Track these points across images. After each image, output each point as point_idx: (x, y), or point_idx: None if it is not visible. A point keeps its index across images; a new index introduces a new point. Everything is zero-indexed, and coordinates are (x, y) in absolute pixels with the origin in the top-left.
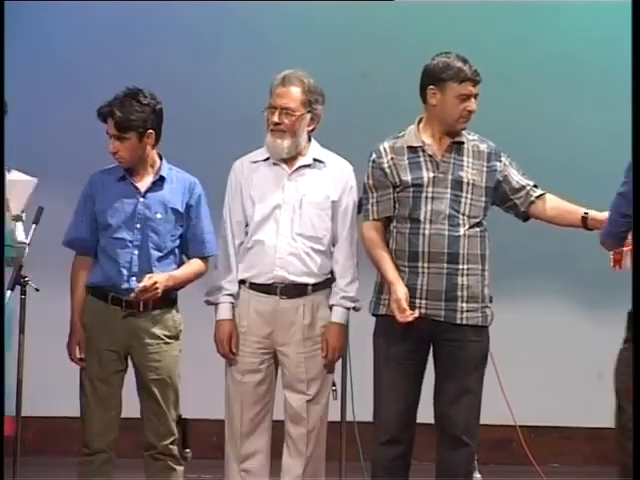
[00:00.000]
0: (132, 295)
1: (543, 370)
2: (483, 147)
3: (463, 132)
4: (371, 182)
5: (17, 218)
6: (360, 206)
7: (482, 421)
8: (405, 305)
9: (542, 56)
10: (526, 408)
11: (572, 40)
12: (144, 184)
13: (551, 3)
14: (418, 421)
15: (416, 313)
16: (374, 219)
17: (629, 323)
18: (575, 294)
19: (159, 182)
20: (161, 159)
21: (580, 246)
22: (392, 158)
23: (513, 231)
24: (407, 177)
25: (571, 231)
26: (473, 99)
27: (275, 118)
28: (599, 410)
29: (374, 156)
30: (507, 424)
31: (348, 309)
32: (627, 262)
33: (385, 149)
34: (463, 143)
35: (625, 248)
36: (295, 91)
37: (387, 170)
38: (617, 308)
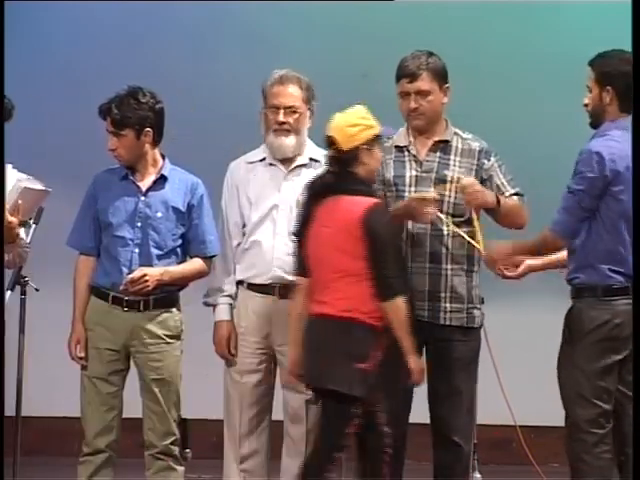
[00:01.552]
0: (122, 287)
1: (543, 370)
2: (475, 145)
3: (455, 130)
4: None
5: (24, 224)
6: None
7: (482, 421)
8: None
9: (542, 56)
10: (526, 408)
11: (572, 40)
12: (145, 183)
13: (551, 3)
14: (416, 421)
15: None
16: None
17: (571, 325)
18: None
19: (160, 181)
20: (164, 159)
21: None
22: (383, 156)
23: (513, 230)
24: (390, 175)
25: None
26: (413, 96)
27: (281, 117)
28: None
29: None
30: (507, 424)
31: None
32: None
33: None
34: (449, 142)
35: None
36: (296, 89)
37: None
38: None
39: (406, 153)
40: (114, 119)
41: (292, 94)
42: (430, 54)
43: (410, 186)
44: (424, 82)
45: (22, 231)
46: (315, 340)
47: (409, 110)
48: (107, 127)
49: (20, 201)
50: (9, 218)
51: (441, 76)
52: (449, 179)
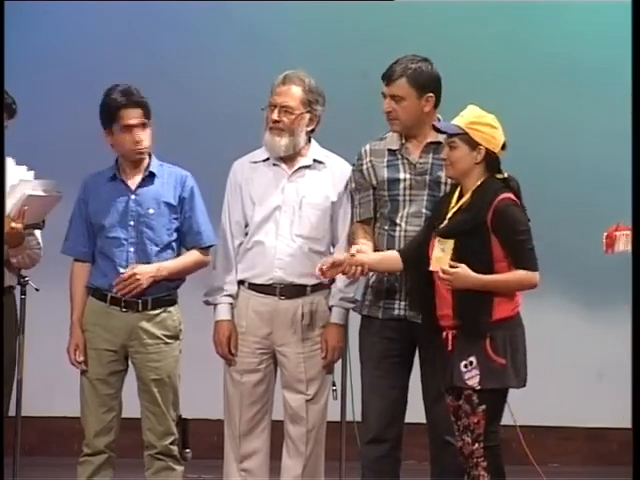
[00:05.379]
0: (114, 289)
1: (543, 370)
2: None
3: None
4: (353, 185)
5: (37, 226)
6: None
7: None
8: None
9: (542, 56)
10: (526, 408)
11: (572, 40)
12: (134, 181)
13: (551, 3)
14: (417, 421)
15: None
16: (357, 221)
17: None
18: (575, 294)
19: (149, 178)
20: (150, 156)
21: (580, 246)
22: (371, 160)
23: None
24: (383, 178)
25: (571, 230)
26: (388, 99)
27: (275, 116)
28: (599, 410)
29: (355, 159)
30: (507, 424)
31: (347, 310)
32: (619, 246)
33: (366, 151)
34: (441, 142)
35: (617, 232)
36: (295, 90)
37: (365, 172)
38: (617, 308)
39: (399, 156)
40: (147, 107)
41: (291, 94)
42: (423, 60)
43: (405, 189)
44: (399, 87)
45: (38, 233)
46: None
47: (386, 114)
48: (133, 121)
49: (26, 207)
50: (12, 224)
51: (423, 84)
52: (443, 180)
